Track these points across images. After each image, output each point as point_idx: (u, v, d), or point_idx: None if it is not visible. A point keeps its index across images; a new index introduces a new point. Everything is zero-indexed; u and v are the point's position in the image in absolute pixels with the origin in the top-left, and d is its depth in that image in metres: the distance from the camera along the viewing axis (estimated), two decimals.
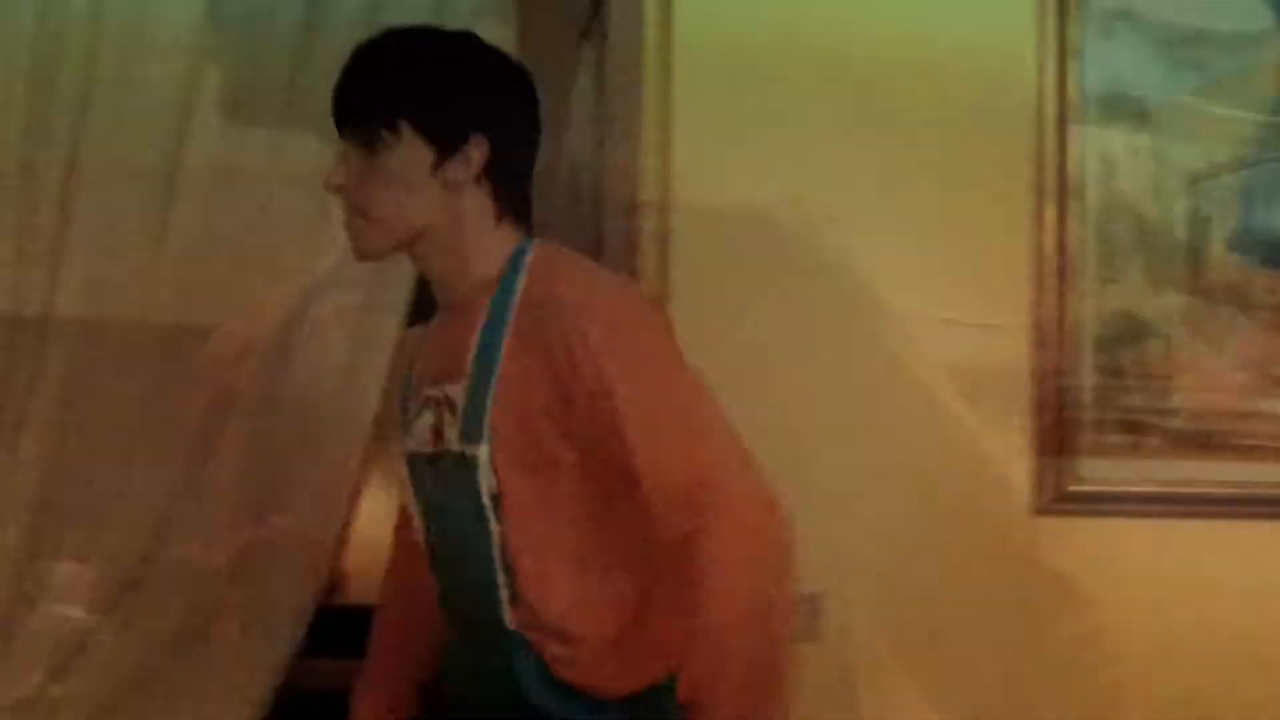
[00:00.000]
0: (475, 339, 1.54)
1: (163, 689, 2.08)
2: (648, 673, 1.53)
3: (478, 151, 1.54)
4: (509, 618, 1.54)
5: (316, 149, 1.96)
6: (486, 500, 1.52)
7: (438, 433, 1.58)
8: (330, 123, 1.61)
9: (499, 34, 1.99)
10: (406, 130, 1.53)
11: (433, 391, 1.59)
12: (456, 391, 1.54)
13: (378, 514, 2.17)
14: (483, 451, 1.51)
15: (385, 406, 2.11)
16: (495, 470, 1.51)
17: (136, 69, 2.15)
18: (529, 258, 1.57)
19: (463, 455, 1.53)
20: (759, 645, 1.48)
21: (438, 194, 1.55)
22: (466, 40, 1.61)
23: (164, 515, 2.09)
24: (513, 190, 1.59)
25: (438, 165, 1.54)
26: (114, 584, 2.06)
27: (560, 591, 1.53)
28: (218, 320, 2.16)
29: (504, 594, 1.54)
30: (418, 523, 1.66)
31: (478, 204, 1.57)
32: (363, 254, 1.59)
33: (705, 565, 1.45)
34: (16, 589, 2.03)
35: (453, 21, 1.80)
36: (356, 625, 1.84)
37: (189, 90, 2.17)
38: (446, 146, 1.54)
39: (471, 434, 1.52)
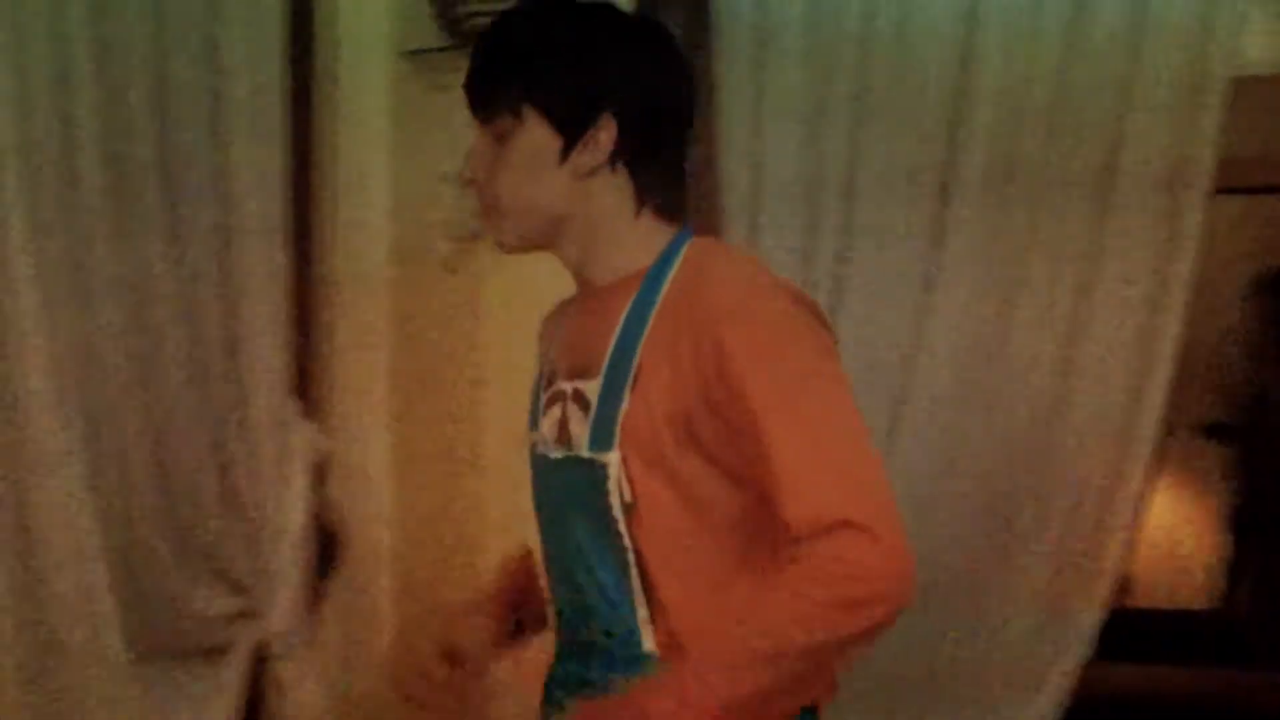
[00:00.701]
0: (614, 338, 1.43)
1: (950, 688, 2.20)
2: (792, 701, 1.41)
3: (606, 134, 1.42)
4: (649, 641, 1.44)
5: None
6: (618, 512, 1.41)
7: (563, 428, 1.48)
8: None
9: None
10: (530, 115, 1.43)
11: (565, 386, 1.50)
12: (591, 389, 1.45)
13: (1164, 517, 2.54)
14: (612, 459, 1.40)
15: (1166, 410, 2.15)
16: (630, 479, 1.40)
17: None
18: (681, 255, 1.46)
19: (591, 461, 1.42)
20: (784, 675, 1.30)
21: (568, 182, 1.44)
22: (594, 10, 1.49)
23: None
24: (655, 175, 1.47)
25: (565, 151, 1.43)
26: None
27: (702, 613, 1.41)
28: None
29: (641, 614, 1.43)
30: (538, 533, 1.58)
31: (614, 191, 1.45)
32: (503, 248, 1.54)
33: (814, 573, 1.27)
34: None
35: None
36: (1146, 628, 2.18)
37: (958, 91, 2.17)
38: (572, 131, 1.43)
39: (601, 439, 1.41)
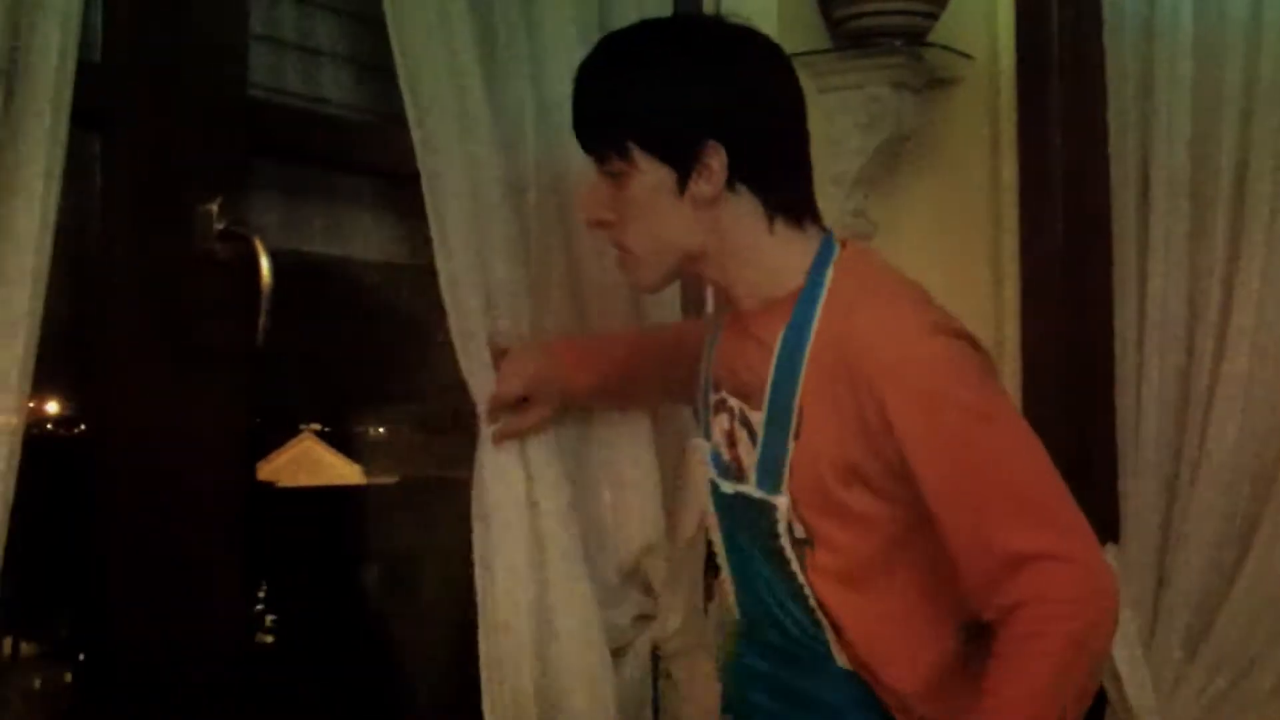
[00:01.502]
0: (771, 371, 1.42)
1: None
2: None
3: (716, 160, 1.39)
4: (841, 659, 1.44)
5: None
6: (790, 551, 1.42)
7: (733, 447, 1.49)
8: None
9: None
10: (637, 153, 1.41)
11: (730, 400, 1.49)
12: (756, 420, 1.44)
13: None
14: (782, 502, 1.40)
15: None
16: (802, 519, 1.41)
17: None
18: (830, 273, 1.42)
19: (762, 502, 1.43)
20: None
21: (691, 213, 1.41)
22: (681, 36, 1.48)
23: None
24: (779, 188, 1.44)
25: (681, 183, 1.41)
26: None
27: (885, 645, 1.42)
28: None
29: (830, 637, 1.43)
30: (717, 545, 1.59)
31: (741, 213, 1.42)
32: (642, 289, 1.54)
33: (1019, 644, 1.28)
34: None
35: None
36: None
37: None
38: (682, 162, 1.40)
39: (770, 481, 1.42)
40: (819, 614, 1.44)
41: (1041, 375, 2.38)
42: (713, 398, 1.54)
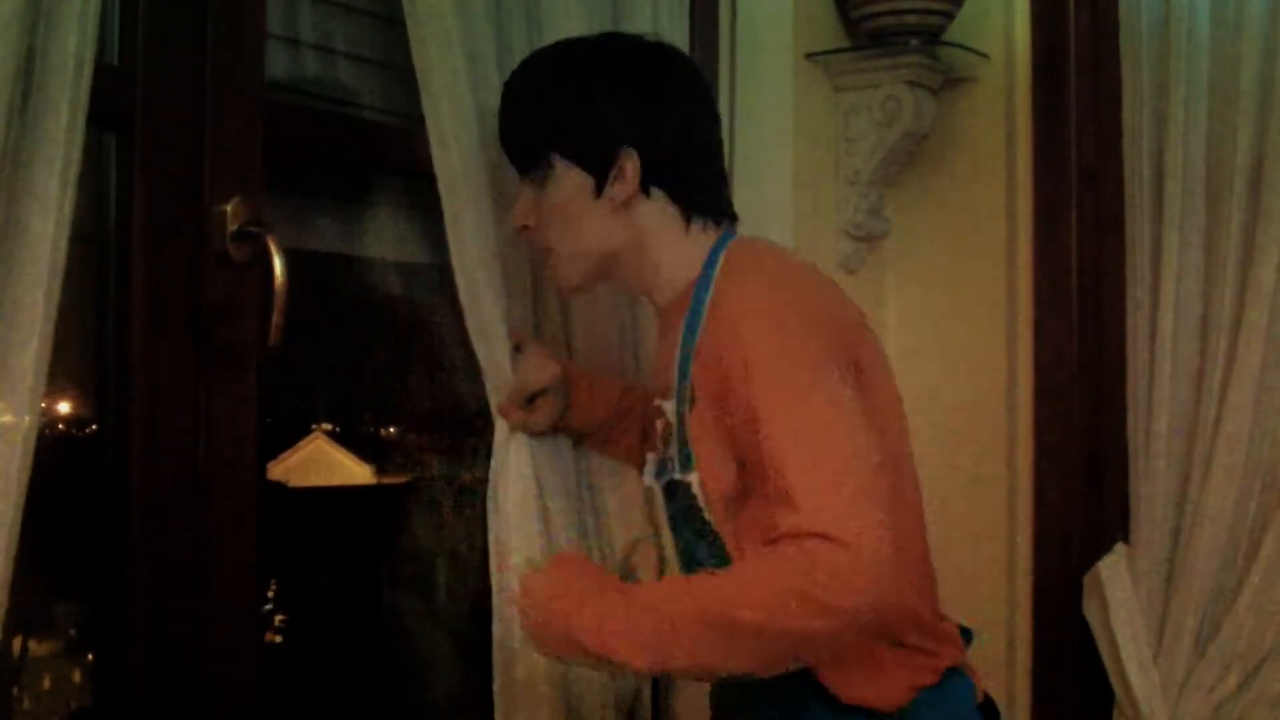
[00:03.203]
0: (676, 355, 1.48)
1: None
2: (914, 676, 1.46)
3: (630, 164, 1.47)
4: None
5: None
6: (714, 526, 1.46)
7: (665, 441, 1.53)
8: None
9: None
10: (557, 160, 1.49)
11: (661, 404, 1.54)
12: (670, 409, 1.50)
13: None
14: (693, 478, 1.45)
15: None
16: (709, 497, 1.45)
17: None
18: (720, 262, 1.48)
19: (682, 481, 1.47)
20: (714, 652, 1.30)
21: (609, 216, 1.49)
22: (602, 48, 1.54)
23: None
24: (692, 189, 1.51)
25: (598, 188, 1.49)
26: None
27: None
28: None
29: None
30: (668, 548, 1.58)
31: (656, 214, 1.50)
32: (564, 290, 1.59)
33: (763, 564, 1.30)
34: None
35: None
36: None
37: None
38: (599, 169, 1.48)
39: (683, 460, 1.47)
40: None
41: (1055, 373, 2.37)
42: (652, 409, 1.59)
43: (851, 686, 1.45)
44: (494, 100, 1.60)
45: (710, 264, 1.50)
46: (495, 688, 1.67)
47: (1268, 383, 2.15)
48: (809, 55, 2.30)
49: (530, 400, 1.70)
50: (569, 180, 1.50)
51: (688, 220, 1.52)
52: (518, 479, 1.68)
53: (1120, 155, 2.26)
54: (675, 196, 1.51)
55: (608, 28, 1.93)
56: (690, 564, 1.54)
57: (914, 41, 2.28)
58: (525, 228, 1.56)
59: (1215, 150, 2.19)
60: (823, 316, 1.44)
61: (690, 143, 1.53)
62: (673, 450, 1.51)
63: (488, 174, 1.63)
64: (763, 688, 1.45)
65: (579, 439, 1.79)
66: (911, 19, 2.26)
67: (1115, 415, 2.30)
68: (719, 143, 1.57)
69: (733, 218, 1.56)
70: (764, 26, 2.28)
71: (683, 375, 1.47)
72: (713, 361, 1.41)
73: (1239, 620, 2.17)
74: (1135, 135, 2.23)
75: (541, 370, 1.69)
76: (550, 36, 1.75)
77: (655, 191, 1.50)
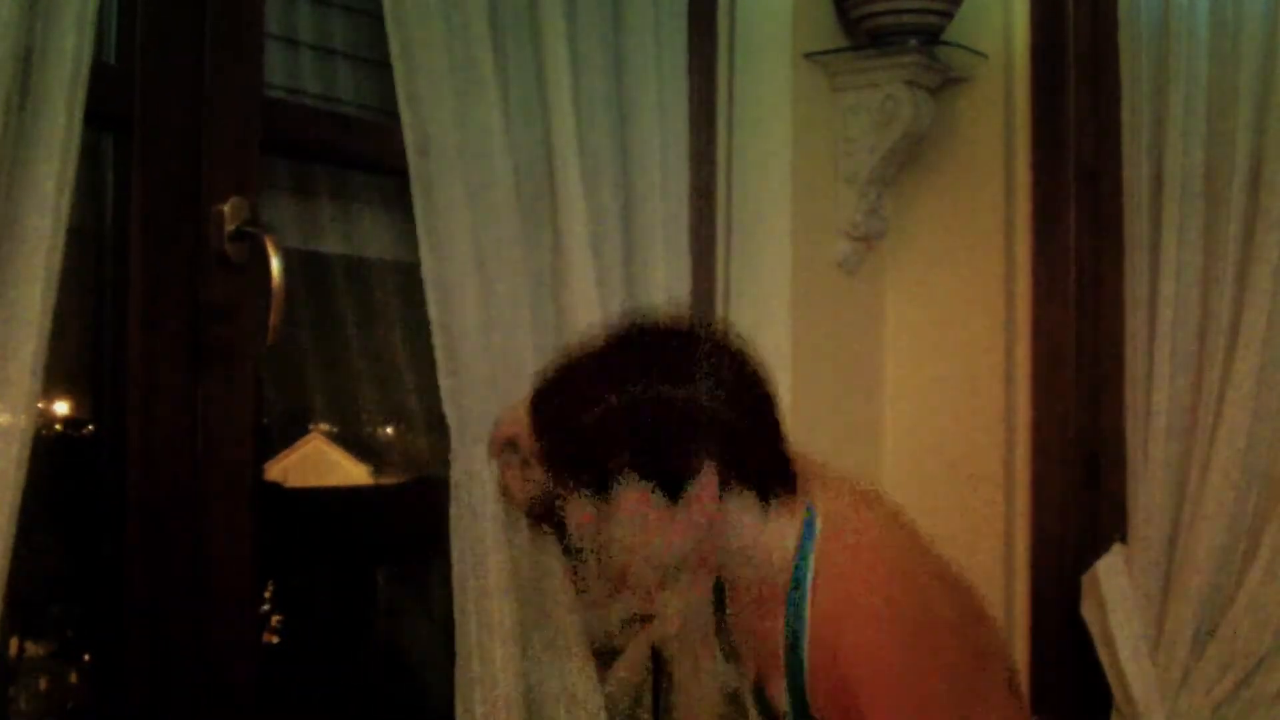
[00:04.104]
0: (783, 653, 1.44)
1: None
2: None
3: (708, 479, 1.40)
4: None
5: None
6: None
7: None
8: None
9: None
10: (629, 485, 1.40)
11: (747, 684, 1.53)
12: (776, 692, 1.48)
13: None
14: None
15: None
16: None
17: None
18: (813, 551, 1.43)
19: None
20: None
21: (687, 526, 1.42)
22: (646, 355, 1.45)
23: None
24: (765, 471, 1.45)
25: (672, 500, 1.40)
26: None
27: None
28: None
29: None
30: None
31: (738, 508, 1.44)
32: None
33: None
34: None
35: None
36: None
37: None
38: (672, 491, 1.40)
39: None
40: None
41: (1052, 374, 2.37)
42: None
43: None
44: (486, 108, 1.59)
45: (804, 550, 1.44)
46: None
47: (1266, 382, 2.15)
48: (807, 55, 2.30)
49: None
50: (638, 496, 1.40)
51: (766, 505, 1.45)
52: (480, 493, 1.63)
53: (1119, 155, 2.25)
54: (749, 486, 1.43)
55: (607, 29, 1.93)
56: None
57: (913, 41, 2.28)
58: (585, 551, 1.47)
59: (1214, 150, 2.18)
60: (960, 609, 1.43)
61: (757, 427, 1.46)
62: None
63: (466, 184, 1.62)
64: None
65: None
66: (910, 19, 2.26)
67: (1113, 415, 2.30)
68: (776, 417, 1.49)
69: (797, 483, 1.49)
70: (762, 26, 2.27)
71: (796, 698, 1.43)
72: (828, 689, 1.38)
73: (1236, 620, 2.16)
74: (1134, 135, 2.23)
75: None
76: (548, 41, 1.74)
77: (732, 488, 1.42)
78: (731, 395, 1.44)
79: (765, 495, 1.45)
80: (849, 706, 1.36)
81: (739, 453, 1.43)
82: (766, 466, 1.47)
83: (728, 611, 1.55)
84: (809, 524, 1.47)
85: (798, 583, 1.44)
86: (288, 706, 1.81)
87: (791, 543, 1.45)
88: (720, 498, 1.42)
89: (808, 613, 1.42)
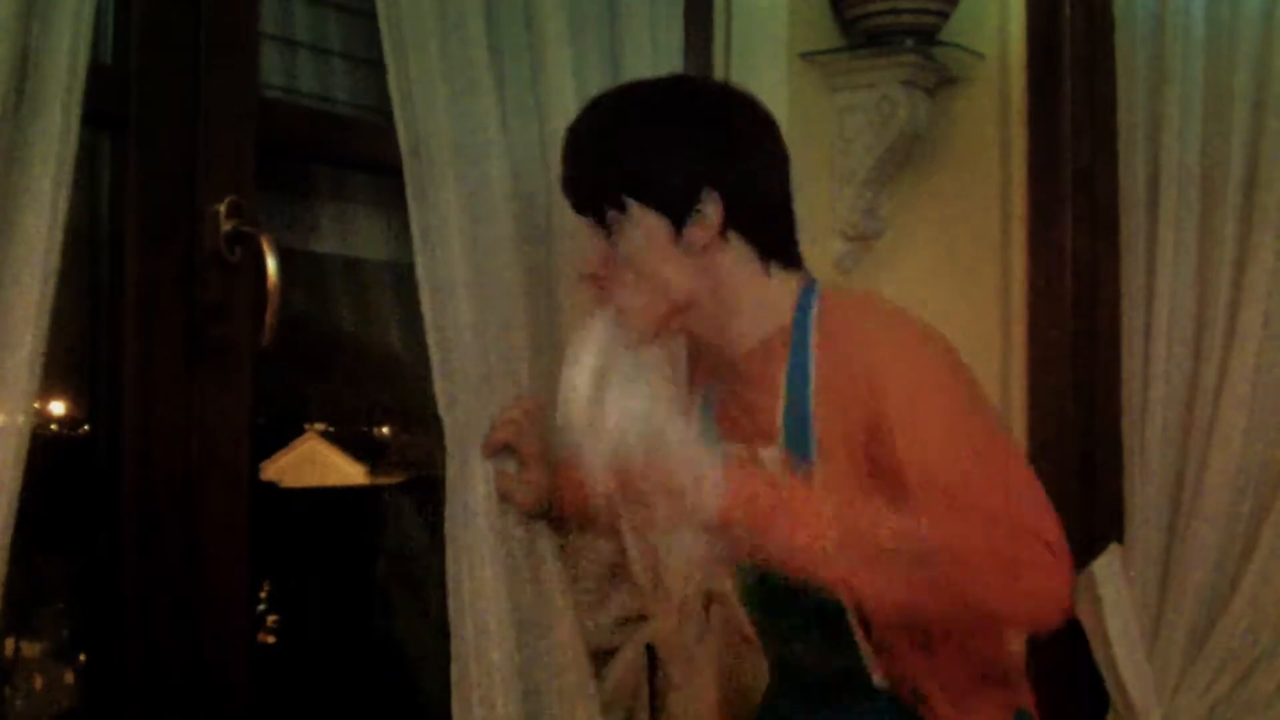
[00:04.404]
0: (781, 407, 1.45)
1: None
2: (1005, 711, 1.50)
3: (713, 208, 1.43)
4: (877, 675, 1.46)
5: None
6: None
7: None
8: None
9: None
10: (634, 207, 1.43)
11: (738, 451, 1.49)
12: (769, 457, 1.46)
13: None
14: None
15: None
16: None
17: None
18: (815, 308, 1.46)
19: None
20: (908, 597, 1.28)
21: (686, 262, 1.45)
22: (675, 92, 1.51)
23: None
24: (770, 232, 1.48)
25: (677, 232, 1.44)
26: None
27: (909, 652, 1.44)
28: None
29: (864, 650, 1.45)
30: (731, 593, 1.62)
31: (736, 258, 1.46)
32: (634, 340, 1.49)
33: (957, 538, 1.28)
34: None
35: None
36: None
37: None
38: (679, 212, 1.43)
39: None
40: (854, 625, 1.44)
41: (1048, 374, 2.38)
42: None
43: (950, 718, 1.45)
44: (483, 108, 1.59)
45: (803, 311, 1.46)
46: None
47: (1262, 382, 2.16)
48: (804, 55, 2.30)
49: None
50: (645, 225, 1.44)
51: (766, 265, 1.47)
52: (474, 493, 1.63)
53: (1115, 155, 2.26)
54: (753, 240, 1.46)
55: (603, 27, 1.93)
56: (778, 616, 1.53)
57: (909, 41, 2.29)
58: (594, 278, 1.50)
59: (1210, 151, 2.19)
60: (967, 369, 1.43)
61: (769, 185, 1.49)
62: None
63: (461, 185, 1.62)
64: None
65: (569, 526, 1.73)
66: (906, 19, 2.26)
67: (1109, 415, 2.30)
68: (792, 190, 1.52)
69: (802, 263, 1.52)
70: (759, 26, 2.27)
71: (799, 427, 1.43)
72: (850, 413, 1.38)
73: (1233, 620, 2.17)
74: (1130, 135, 2.24)
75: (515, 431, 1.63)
76: (547, 40, 1.74)
77: (733, 235, 1.45)
78: (750, 142, 1.48)
79: (766, 255, 1.47)
80: (862, 382, 1.37)
81: (745, 196, 1.45)
82: (770, 225, 1.49)
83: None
84: (809, 289, 1.49)
85: (803, 316, 1.46)
86: (283, 706, 1.81)
87: (790, 303, 1.48)
88: (721, 234, 1.44)
89: (813, 336, 1.44)
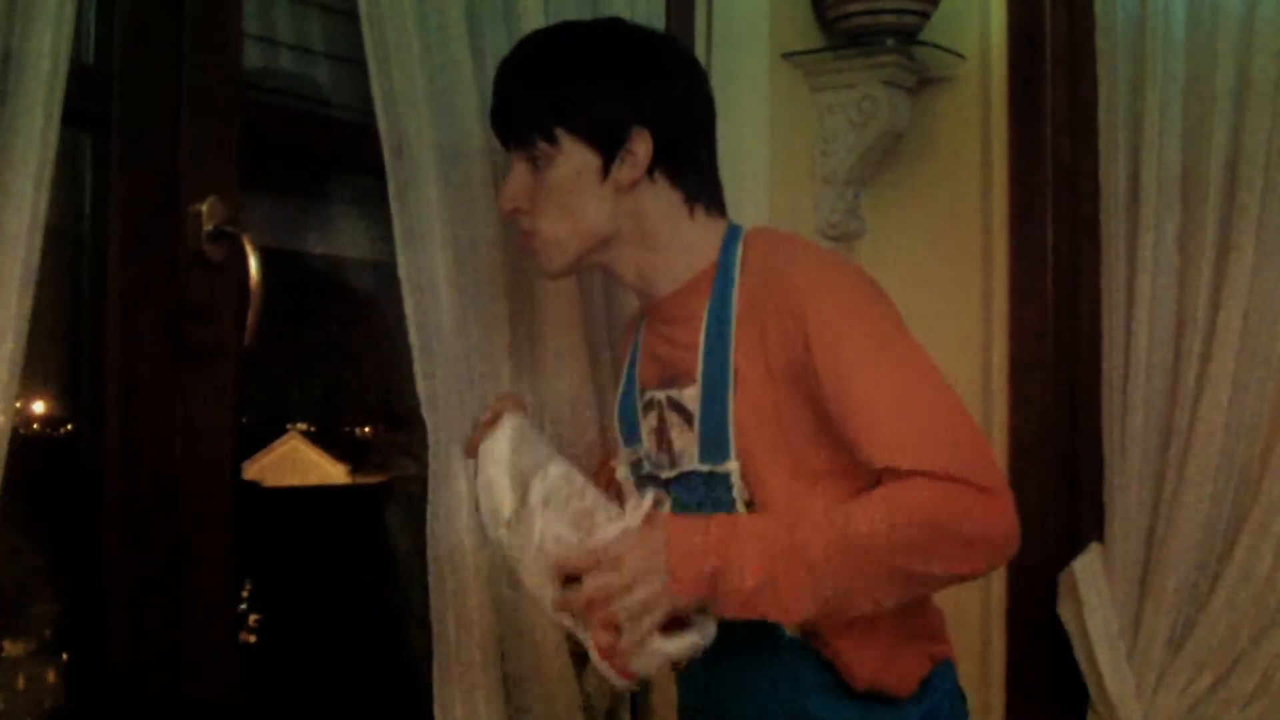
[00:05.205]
0: (700, 340, 1.46)
1: None
2: (923, 661, 1.49)
3: (643, 146, 1.45)
4: (790, 629, 1.44)
5: None
6: (742, 509, 1.43)
7: (661, 436, 1.52)
8: None
9: None
10: (565, 139, 1.45)
11: (657, 394, 1.52)
12: (688, 397, 1.47)
13: None
14: (732, 466, 1.42)
15: None
16: (746, 481, 1.42)
17: None
18: (740, 247, 1.48)
19: (710, 473, 1.45)
20: (852, 576, 1.30)
21: (613, 198, 1.46)
22: (610, 30, 1.53)
23: None
24: (696, 177, 1.50)
25: (605, 169, 1.46)
26: None
27: None
28: None
29: None
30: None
31: (661, 199, 1.48)
32: (549, 274, 1.54)
33: (900, 494, 1.30)
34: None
35: None
36: None
37: None
38: (609, 148, 1.45)
39: (715, 449, 1.44)
40: None
41: (1029, 373, 2.39)
42: (640, 401, 1.57)
43: (867, 669, 1.45)
44: (461, 105, 1.59)
45: (727, 252, 1.48)
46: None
47: (1242, 382, 2.17)
48: (785, 55, 2.31)
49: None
50: (574, 159, 1.46)
51: (691, 208, 1.50)
52: (456, 489, 1.63)
53: (1096, 155, 2.27)
54: (680, 183, 1.49)
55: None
56: None
57: (890, 41, 2.29)
58: (515, 210, 1.51)
59: (1191, 150, 2.20)
60: (883, 291, 1.46)
61: (697, 128, 1.52)
62: (679, 442, 1.49)
63: (443, 185, 1.62)
64: (761, 679, 1.47)
65: None
66: (887, 19, 2.27)
67: (1090, 415, 2.31)
68: (716, 138, 1.55)
69: (725, 209, 1.55)
70: (740, 26, 2.28)
71: (716, 363, 1.44)
72: (776, 343, 1.39)
73: (1213, 620, 2.18)
74: (1111, 135, 2.25)
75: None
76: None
77: (659, 176, 1.48)
78: (682, 86, 1.52)
79: (691, 198, 1.50)
80: (784, 309, 1.39)
81: (673, 138, 1.48)
82: (697, 168, 1.51)
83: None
84: (734, 232, 1.52)
85: (727, 257, 1.48)
86: (266, 706, 1.81)
87: (714, 246, 1.50)
88: (648, 174, 1.47)
89: (736, 275, 1.46)
